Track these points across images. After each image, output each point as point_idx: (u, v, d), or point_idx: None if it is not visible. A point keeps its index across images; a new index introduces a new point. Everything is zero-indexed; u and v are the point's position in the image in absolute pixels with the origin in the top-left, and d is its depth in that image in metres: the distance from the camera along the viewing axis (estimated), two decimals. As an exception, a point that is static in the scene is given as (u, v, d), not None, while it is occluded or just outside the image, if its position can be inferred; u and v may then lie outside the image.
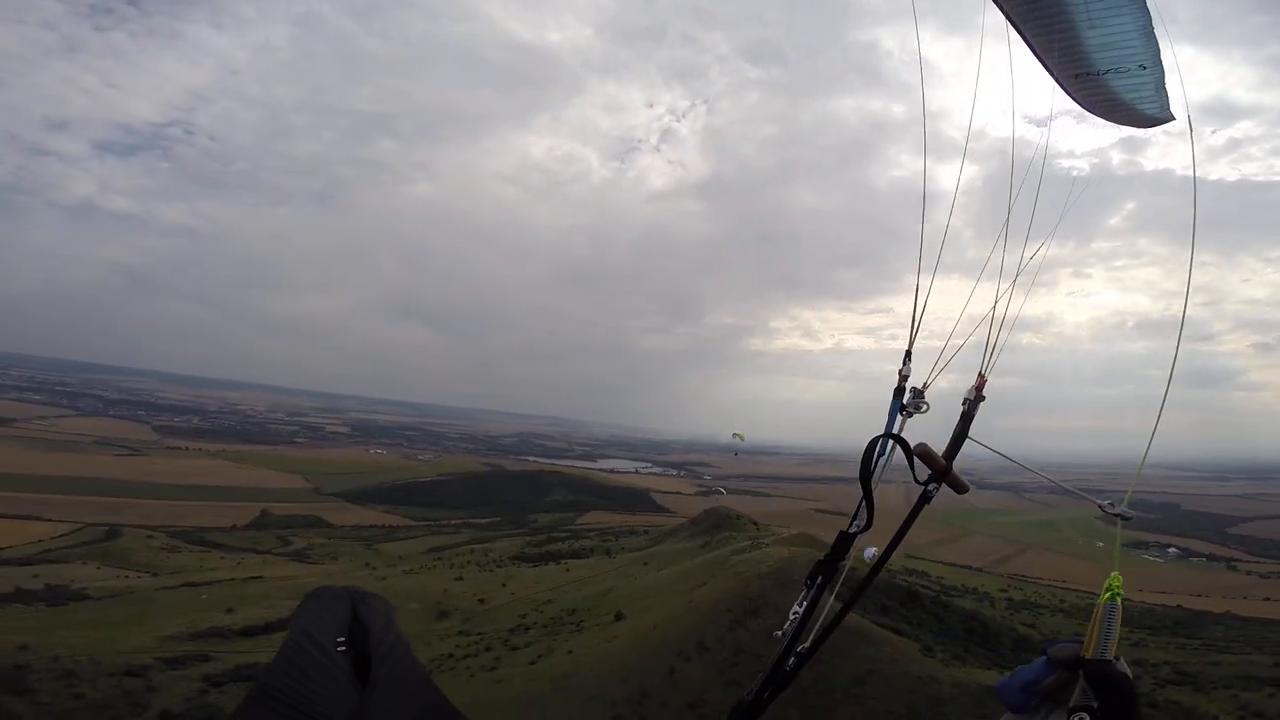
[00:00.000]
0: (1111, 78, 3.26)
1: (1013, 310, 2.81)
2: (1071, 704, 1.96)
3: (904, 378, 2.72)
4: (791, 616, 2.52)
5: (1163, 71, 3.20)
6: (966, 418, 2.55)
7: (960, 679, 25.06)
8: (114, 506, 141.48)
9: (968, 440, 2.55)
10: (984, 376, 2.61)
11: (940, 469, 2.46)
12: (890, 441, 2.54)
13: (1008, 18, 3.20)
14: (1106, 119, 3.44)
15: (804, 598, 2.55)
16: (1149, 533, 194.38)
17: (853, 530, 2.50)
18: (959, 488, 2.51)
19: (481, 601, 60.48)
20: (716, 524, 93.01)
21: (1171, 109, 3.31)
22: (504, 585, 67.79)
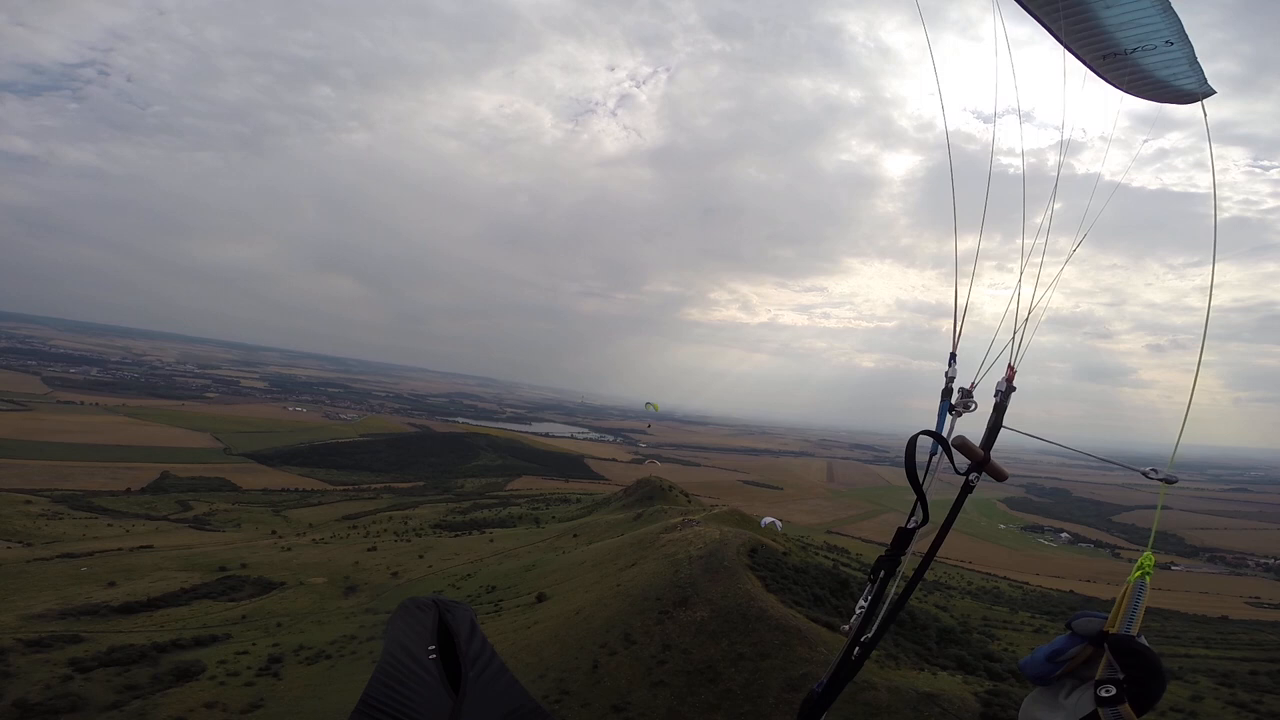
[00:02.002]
0: (1140, 56, 3.28)
1: (1035, 301, 3.02)
2: (1098, 677, 2.03)
3: (950, 379, 2.80)
4: (857, 610, 2.64)
5: (1191, 47, 3.21)
6: (999, 408, 2.70)
7: (897, 684, 23.79)
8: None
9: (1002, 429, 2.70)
10: (1013, 368, 2.77)
11: (979, 459, 2.60)
12: (940, 440, 2.65)
13: (1027, 9, 3.22)
14: (1146, 97, 3.42)
15: (868, 592, 2.67)
16: (1043, 517, 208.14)
17: (910, 526, 2.62)
18: (999, 475, 2.65)
19: (394, 575, 56.93)
20: (649, 495, 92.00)
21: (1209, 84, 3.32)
22: (421, 557, 64.30)
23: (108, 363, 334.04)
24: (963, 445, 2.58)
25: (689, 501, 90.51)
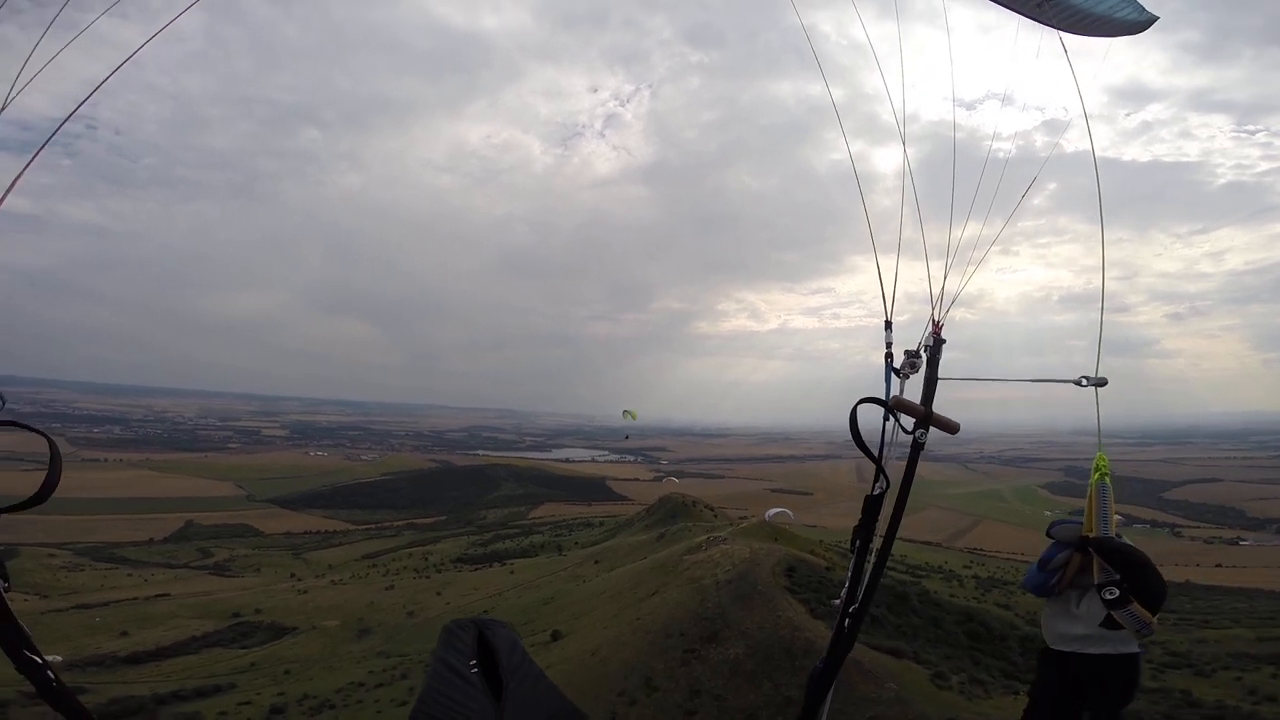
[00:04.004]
0: None
1: (951, 282, 2.99)
2: (1097, 582, 2.14)
3: (890, 345, 2.87)
4: (846, 582, 2.68)
5: None
6: (933, 362, 2.76)
7: (990, 716, 19.96)
8: (12, 524, 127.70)
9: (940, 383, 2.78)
10: (938, 323, 2.83)
11: (921, 414, 2.62)
12: (881, 403, 2.69)
13: None
14: (1089, 34, 3.33)
15: (851, 563, 2.72)
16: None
17: (876, 492, 2.63)
18: (948, 427, 2.64)
19: (410, 615, 54.34)
20: (672, 513, 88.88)
21: (1151, 11, 3.29)
22: (439, 594, 61.70)
23: (130, 421, 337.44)
24: (901, 404, 2.60)
25: (715, 516, 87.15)
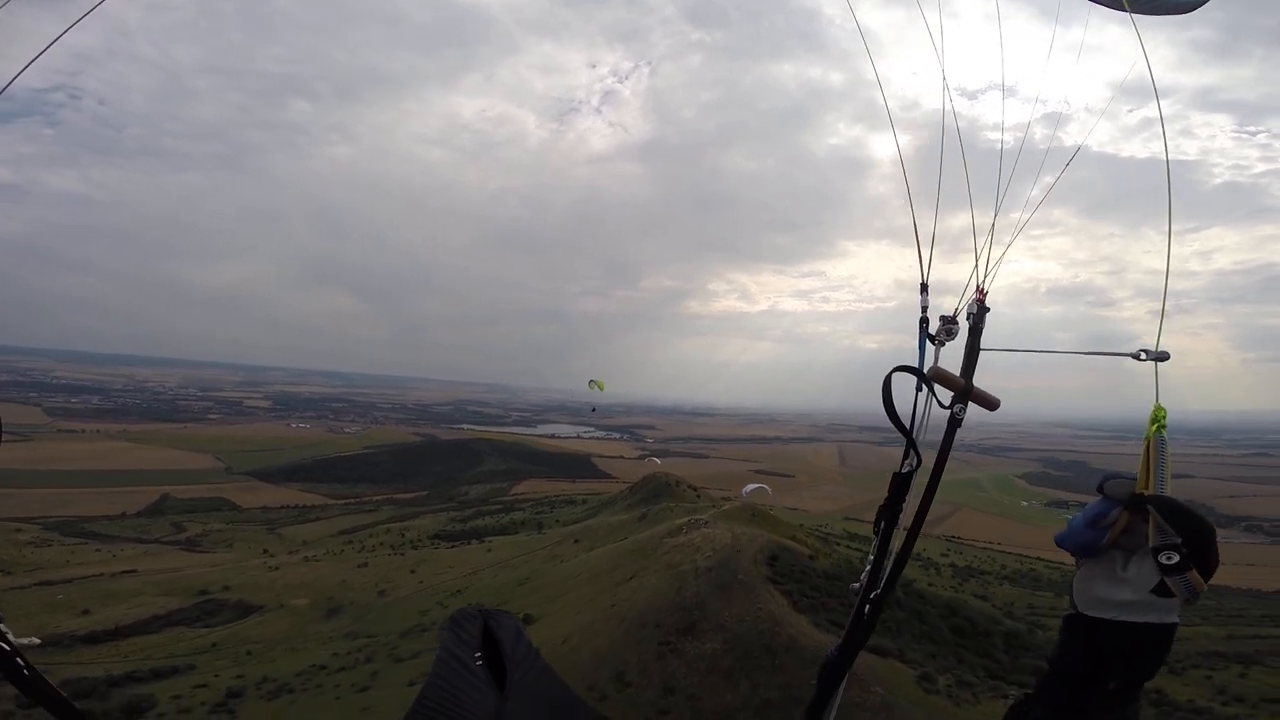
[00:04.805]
0: None
1: (993, 255, 2.78)
2: (1153, 544, 1.88)
3: (925, 309, 2.68)
4: (866, 565, 2.52)
5: None
6: (975, 332, 2.55)
7: None
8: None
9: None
10: (982, 290, 2.62)
11: (961, 388, 2.43)
12: (918, 374, 2.47)
13: None
14: (1146, 13, 3.30)
15: (874, 546, 2.54)
16: (1066, 491, 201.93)
17: (905, 470, 2.44)
18: (988, 403, 2.46)
19: (382, 594, 53.06)
20: (654, 492, 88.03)
21: None
22: (413, 571, 60.44)
23: (110, 391, 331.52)
24: (940, 376, 2.38)
25: (698, 496, 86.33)
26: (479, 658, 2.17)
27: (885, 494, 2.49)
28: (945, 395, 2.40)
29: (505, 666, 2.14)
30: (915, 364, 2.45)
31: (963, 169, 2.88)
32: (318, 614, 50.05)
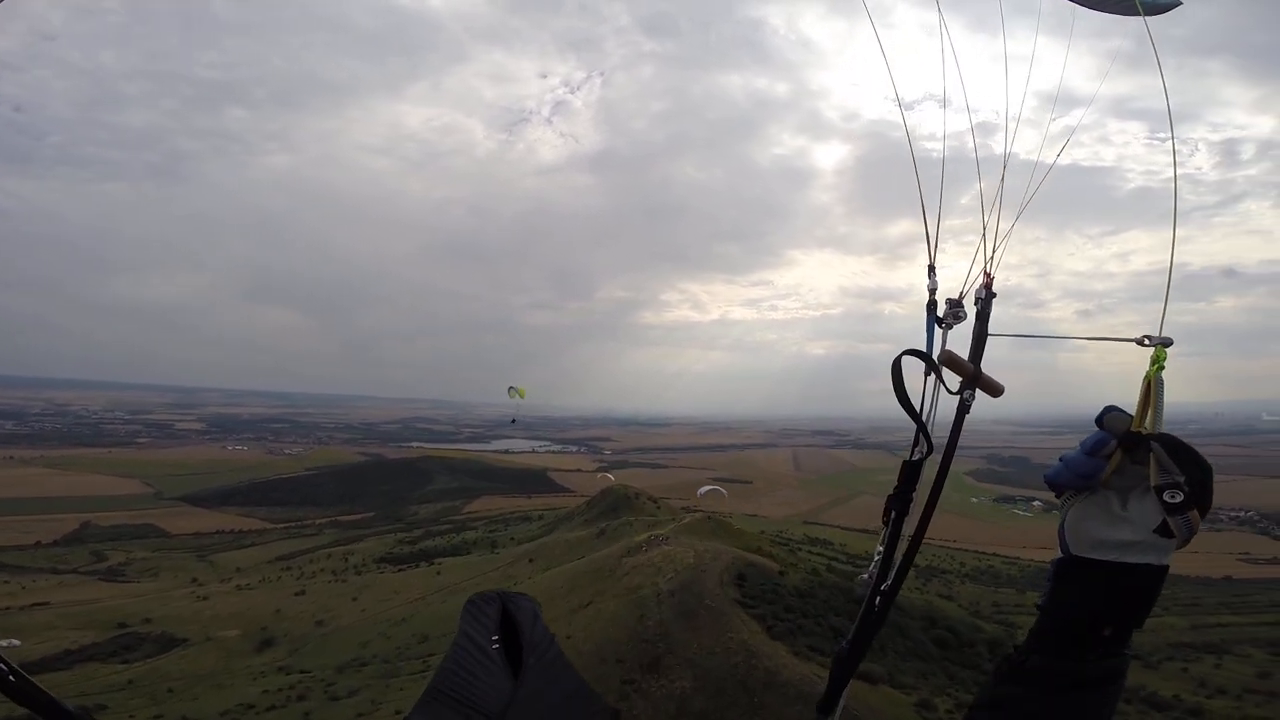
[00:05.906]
0: None
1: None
2: (1156, 482, 1.79)
3: (932, 291, 2.63)
4: (875, 556, 2.40)
5: None
6: (982, 317, 2.50)
7: None
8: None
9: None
10: (990, 274, 2.58)
11: (970, 374, 2.36)
12: (927, 359, 2.43)
13: None
14: (1114, 12, 3.39)
15: (884, 536, 2.42)
16: (1011, 487, 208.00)
17: (915, 458, 2.37)
18: (993, 390, 2.39)
19: (319, 624, 49.19)
20: (613, 505, 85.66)
21: None
22: (355, 599, 56.56)
23: (26, 415, 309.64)
24: (950, 360, 2.30)
25: (658, 508, 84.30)
26: (496, 641, 2.14)
27: (895, 483, 2.35)
28: (953, 382, 2.29)
29: (522, 650, 2.12)
30: (928, 343, 2.39)
31: (966, 170, 2.86)
32: (248, 647, 45.96)
